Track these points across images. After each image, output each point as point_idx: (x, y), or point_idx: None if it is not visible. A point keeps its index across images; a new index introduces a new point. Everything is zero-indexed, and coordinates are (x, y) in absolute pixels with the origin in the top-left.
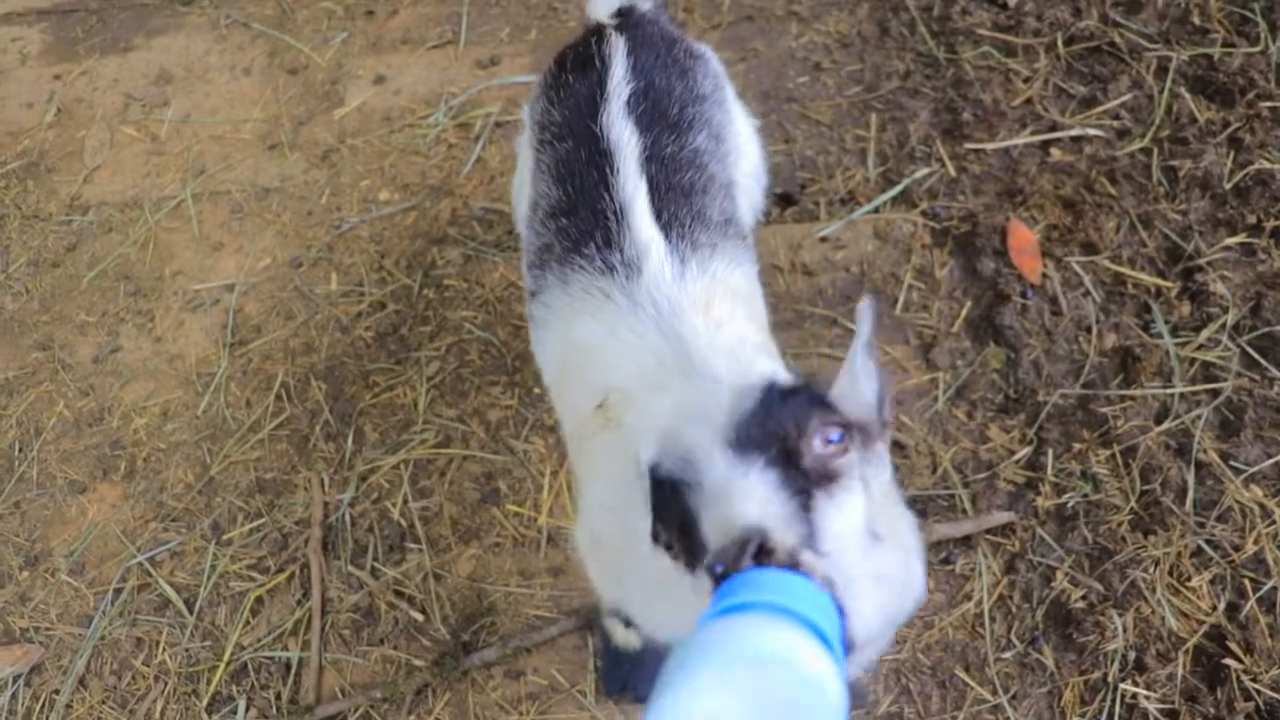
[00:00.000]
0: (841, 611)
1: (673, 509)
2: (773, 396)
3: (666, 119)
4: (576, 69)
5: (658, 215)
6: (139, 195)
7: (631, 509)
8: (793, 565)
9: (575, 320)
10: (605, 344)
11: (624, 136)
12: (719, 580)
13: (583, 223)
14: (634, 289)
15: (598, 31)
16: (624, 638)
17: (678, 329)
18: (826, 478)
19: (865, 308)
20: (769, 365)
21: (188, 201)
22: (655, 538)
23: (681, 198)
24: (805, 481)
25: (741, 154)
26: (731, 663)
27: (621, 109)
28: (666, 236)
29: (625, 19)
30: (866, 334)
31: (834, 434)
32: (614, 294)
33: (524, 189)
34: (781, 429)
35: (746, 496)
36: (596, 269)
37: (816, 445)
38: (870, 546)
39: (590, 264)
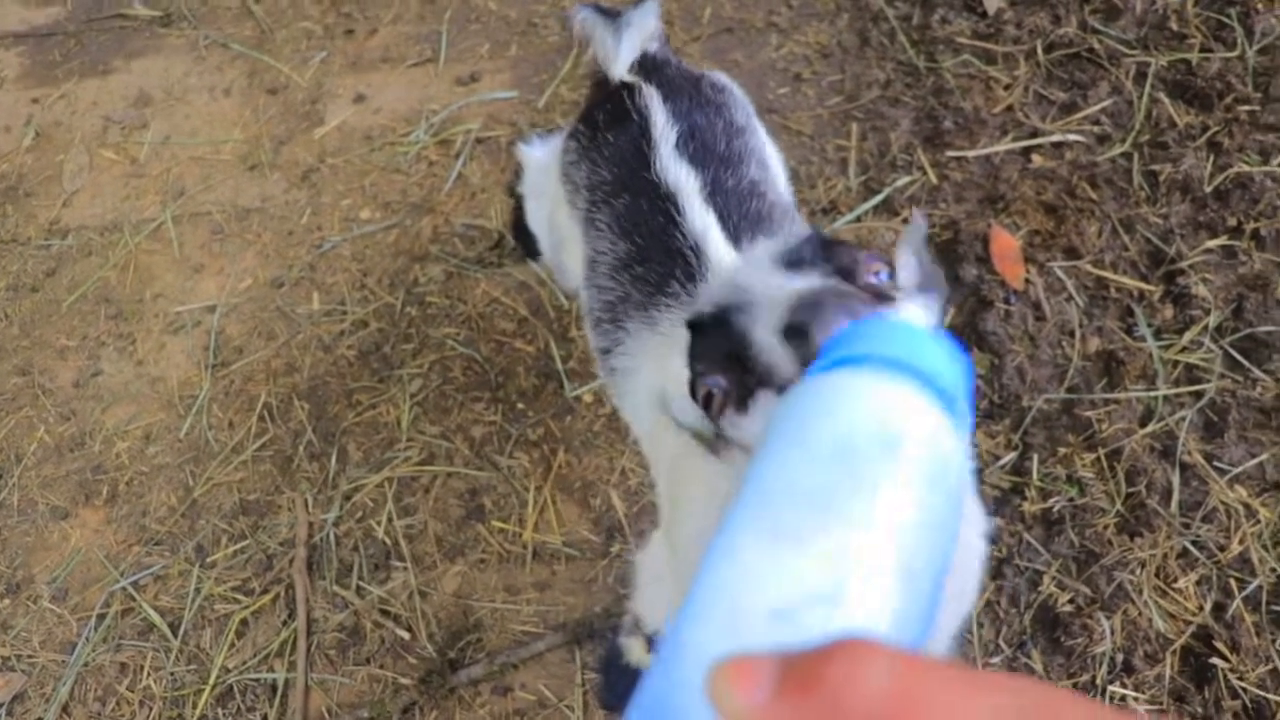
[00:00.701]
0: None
1: (719, 341)
2: (818, 235)
3: (717, 154)
4: (613, 125)
5: (735, 244)
6: (119, 218)
7: None
8: (885, 297)
9: (672, 354)
10: None
11: (681, 177)
12: (786, 339)
13: (659, 266)
14: None
15: (624, 86)
16: (640, 658)
17: None
18: (882, 298)
19: (916, 219)
20: None
21: (168, 223)
22: (693, 391)
23: (753, 225)
24: (861, 296)
25: (778, 174)
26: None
27: (672, 153)
28: None
29: (644, 67)
30: (909, 249)
31: (884, 271)
32: None
33: (569, 248)
34: (833, 255)
35: (809, 284)
36: (684, 304)
37: (868, 274)
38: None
39: (677, 300)
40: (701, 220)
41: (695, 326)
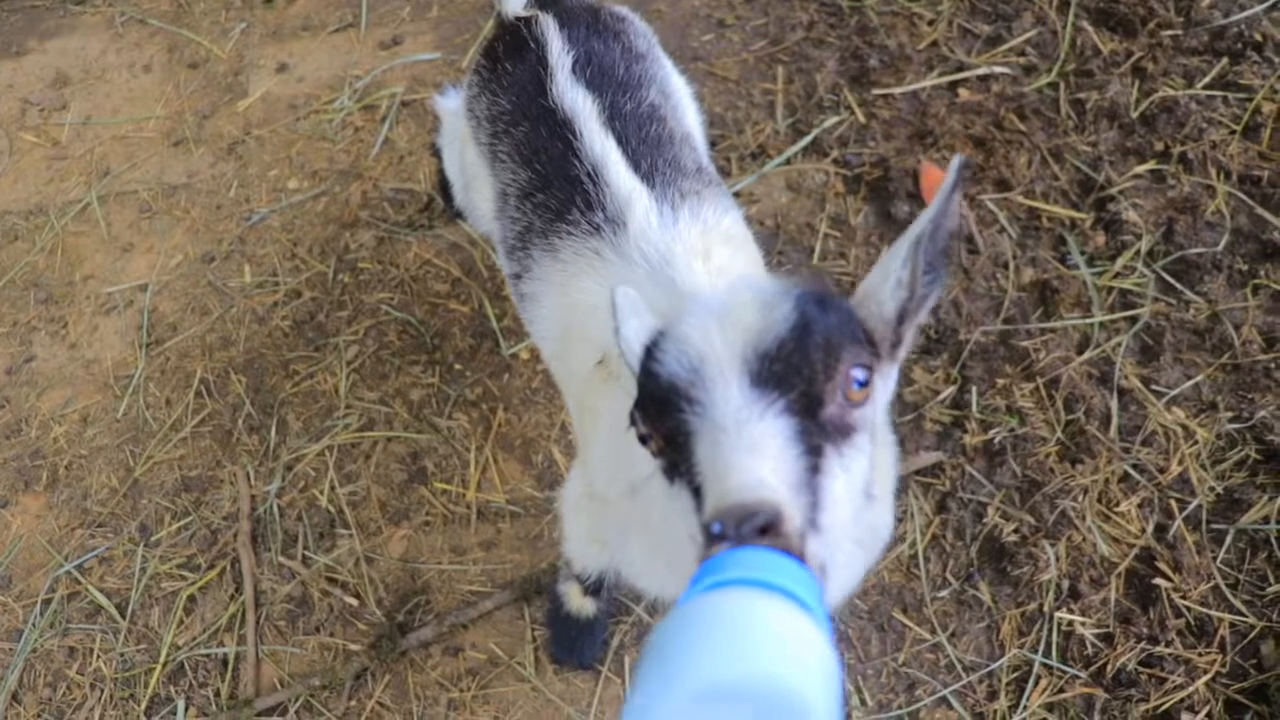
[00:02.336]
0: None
1: (664, 413)
2: (807, 314)
3: (615, 79)
4: (512, 56)
5: (635, 168)
6: (43, 201)
7: (636, 460)
8: (796, 551)
9: (572, 283)
10: (602, 300)
11: (578, 101)
12: (710, 535)
13: (560, 193)
14: (622, 243)
15: (522, 18)
16: (579, 605)
17: (669, 275)
18: (841, 432)
19: (957, 160)
20: None
21: (94, 204)
22: (633, 422)
23: (653, 149)
24: (821, 436)
25: (685, 105)
26: (732, 640)
27: (568, 78)
28: (650, 186)
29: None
30: (925, 221)
31: (860, 375)
32: (604, 251)
33: (477, 186)
34: (810, 368)
35: (758, 451)
36: (584, 231)
37: (840, 396)
38: (863, 509)
39: (576, 228)
40: (600, 144)
41: (651, 366)
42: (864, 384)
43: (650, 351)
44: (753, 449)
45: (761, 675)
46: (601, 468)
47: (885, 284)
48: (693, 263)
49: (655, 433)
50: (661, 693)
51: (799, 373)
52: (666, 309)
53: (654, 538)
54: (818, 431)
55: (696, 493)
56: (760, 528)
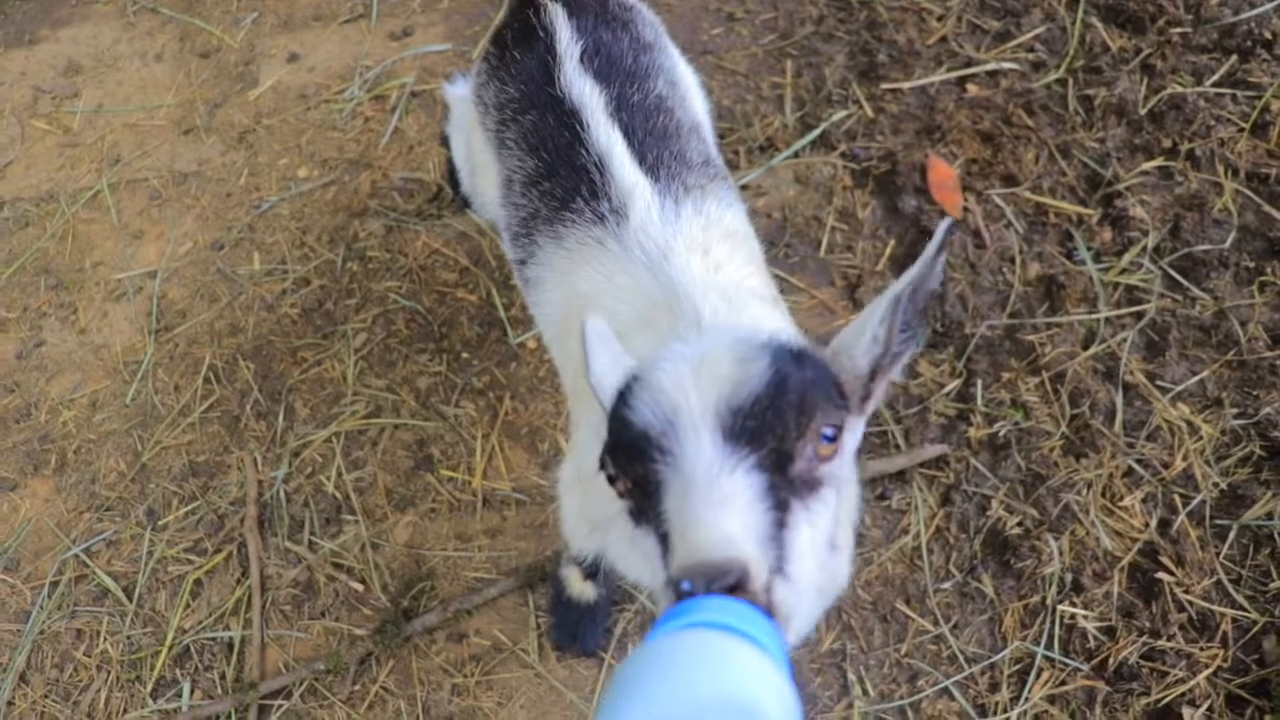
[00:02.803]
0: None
1: (635, 459)
2: (782, 371)
3: (623, 69)
4: (520, 43)
5: (641, 160)
6: (54, 188)
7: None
8: (761, 605)
9: (576, 271)
10: (603, 289)
11: (585, 91)
12: (678, 590)
13: (565, 181)
14: (624, 234)
15: (530, 4)
16: (580, 589)
17: (666, 270)
18: (808, 486)
19: (943, 226)
20: (762, 311)
21: (105, 192)
22: (602, 465)
23: (659, 141)
24: (789, 491)
25: (693, 96)
26: (698, 687)
27: (576, 67)
28: (654, 180)
29: None
30: (907, 281)
31: (830, 431)
32: (607, 241)
33: (483, 173)
34: (782, 425)
35: (728, 506)
36: (588, 220)
37: (809, 452)
38: (826, 559)
39: (581, 216)
40: (606, 136)
41: (622, 411)
42: (833, 439)
43: (624, 397)
44: (723, 504)
45: (722, 710)
46: (586, 450)
47: (861, 339)
48: (691, 259)
49: (624, 476)
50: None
51: (771, 430)
52: (662, 303)
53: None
54: (786, 487)
55: (663, 539)
56: (728, 587)
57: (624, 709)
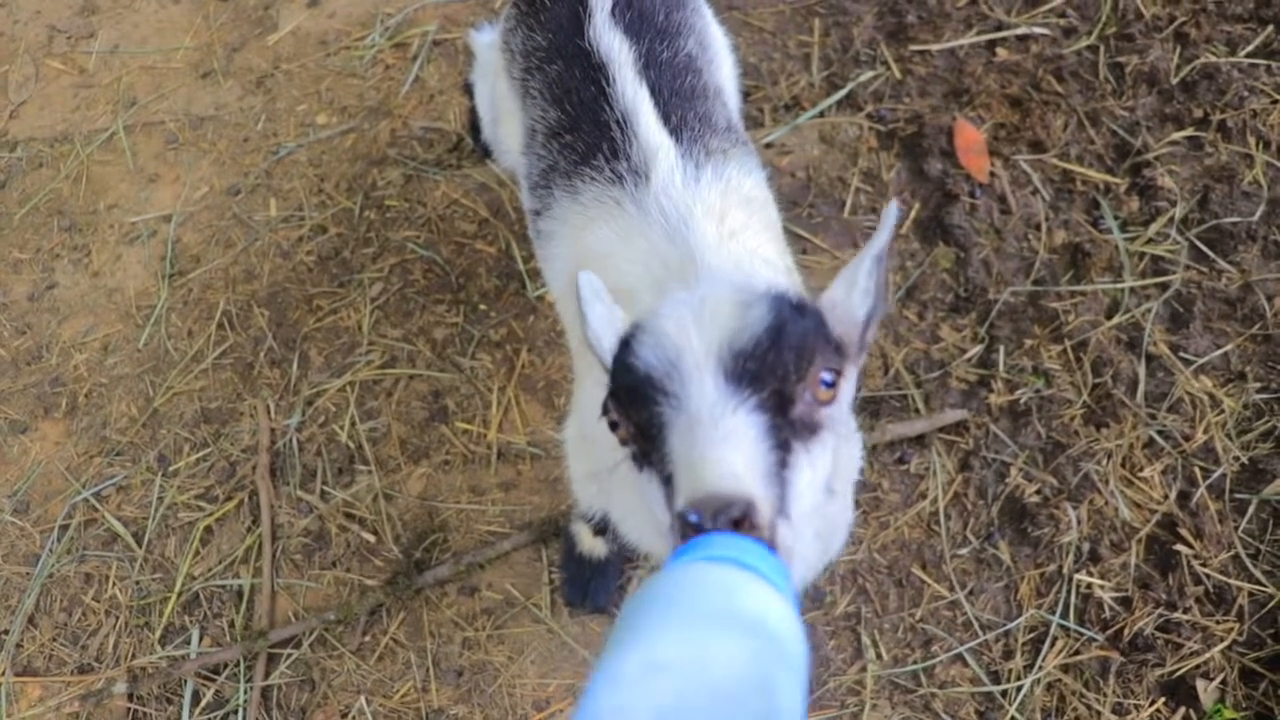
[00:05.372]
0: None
1: (638, 403)
2: (782, 317)
3: (655, 25)
4: None
5: (666, 119)
6: (69, 129)
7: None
8: (767, 540)
9: (589, 228)
10: (617, 250)
11: (614, 46)
12: (685, 524)
13: (588, 136)
14: (643, 196)
15: None
16: (590, 545)
17: (685, 235)
18: (809, 429)
19: (890, 211)
20: (773, 279)
21: (120, 134)
22: (605, 411)
23: (686, 102)
24: (790, 432)
25: (721, 58)
26: (710, 615)
27: (607, 20)
28: (678, 141)
29: None
30: (881, 244)
31: (829, 377)
32: (624, 202)
33: (506, 121)
34: (783, 367)
35: (732, 443)
36: (606, 179)
37: (809, 396)
38: (824, 503)
39: (600, 174)
40: (632, 92)
41: (626, 357)
42: (831, 385)
43: (627, 343)
44: (727, 441)
45: (732, 630)
46: (589, 407)
47: (853, 292)
48: (708, 224)
49: (627, 422)
50: (632, 656)
51: (773, 372)
52: (676, 267)
53: (631, 488)
54: (787, 428)
55: (667, 481)
56: (734, 519)
57: (631, 640)
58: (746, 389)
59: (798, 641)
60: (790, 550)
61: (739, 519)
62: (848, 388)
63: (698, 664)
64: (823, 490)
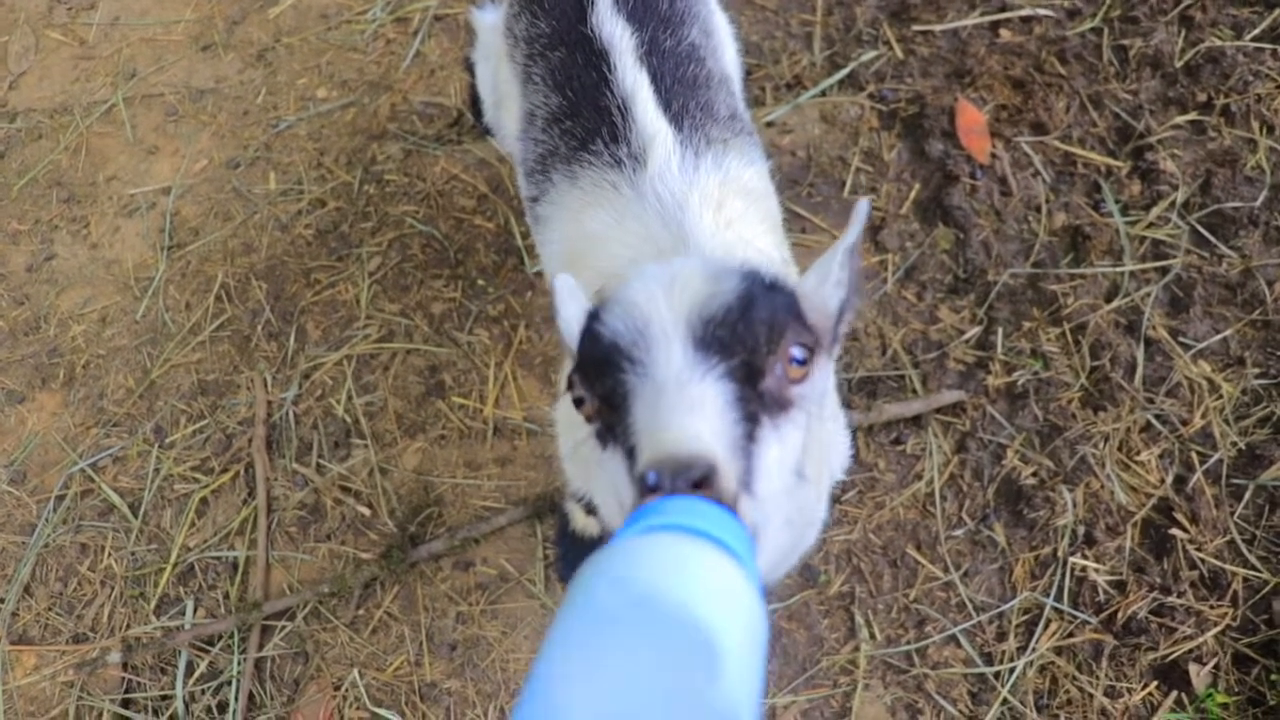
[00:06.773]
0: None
1: (604, 373)
2: (754, 289)
3: (658, 13)
4: None
5: (665, 107)
6: (68, 100)
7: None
8: (729, 504)
9: (586, 211)
10: (612, 233)
11: (616, 33)
12: (644, 486)
13: (587, 122)
14: (640, 181)
15: None
16: (583, 523)
17: (679, 220)
18: (779, 405)
19: (861, 207)
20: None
21: (120, 105)
22: (570, 386)
23: (687, 90)
24: (758, 405)
25: (724, 46)
26: (658, 578)
27: (609, 7)
28: (678, 128)
29: None
30: (853, 238)
31: (800, 352)
32: (622, 186)
33: (507, 105)
34: (753, 338)
35: (697, 410)
36: (605, 163)
37: (779, 370)
38: (794, 487)
39: (599, 159)
40: (632, 78)
41: (592, 326)
42: (803, 363)
43: (595, 314)
44: (692, 408)
45: (680, 613)
46: None
47: (826, 283)
48: (704, 212)
49: (592, 394)
50: (582, 615)
51: (742, 341)
52: (669, 253)
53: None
54: (755, 400)
55: (630, 454)
56: (695, 481)
57: (569, 627)
58: (715, 356)
59: (756, 616)
60: (756, 527)
61: (699, 481)
62: (821, 375)
63: (638, 654)
64: (792, 472)
